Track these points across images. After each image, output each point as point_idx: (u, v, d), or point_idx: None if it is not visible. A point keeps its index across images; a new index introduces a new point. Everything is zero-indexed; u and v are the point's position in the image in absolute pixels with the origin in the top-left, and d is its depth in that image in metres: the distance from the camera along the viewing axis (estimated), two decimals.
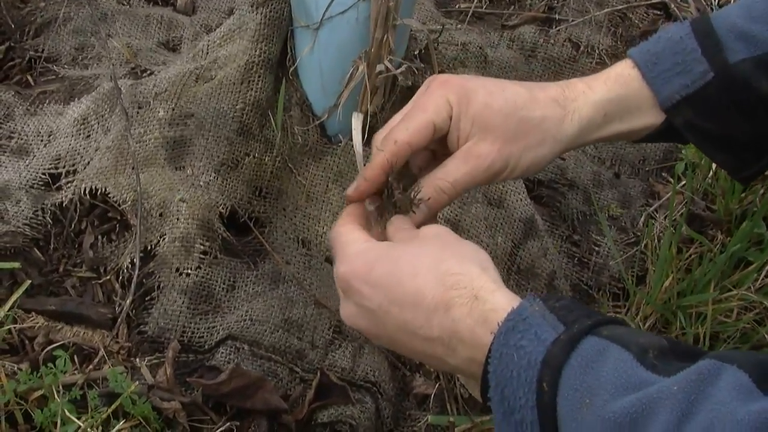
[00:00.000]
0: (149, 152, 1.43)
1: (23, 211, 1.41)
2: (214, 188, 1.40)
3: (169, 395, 1.24)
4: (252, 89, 1.45)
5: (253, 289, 1.38)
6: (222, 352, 1.29)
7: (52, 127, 1.54)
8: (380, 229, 0.88)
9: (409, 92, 1.32)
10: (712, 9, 2.02)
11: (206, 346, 1.31)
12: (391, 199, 0.88)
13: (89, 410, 1.19)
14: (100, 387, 1.23)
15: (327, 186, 1.49)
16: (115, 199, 1.40)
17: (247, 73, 1.44)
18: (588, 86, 0.90)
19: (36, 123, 1.55)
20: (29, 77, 1.69)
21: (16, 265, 1.35)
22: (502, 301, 0.71)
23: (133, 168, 1.40)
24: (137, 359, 1.28)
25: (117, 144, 1.44)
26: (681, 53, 0.88)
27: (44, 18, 1.76)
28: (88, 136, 1.50)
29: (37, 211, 1.42)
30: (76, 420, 1.16)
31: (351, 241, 0.82)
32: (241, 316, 1.33)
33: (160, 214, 1.38)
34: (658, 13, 2.02)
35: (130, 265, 1.35)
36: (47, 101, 1.60)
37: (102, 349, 1.28)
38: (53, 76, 1.68)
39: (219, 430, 1.23)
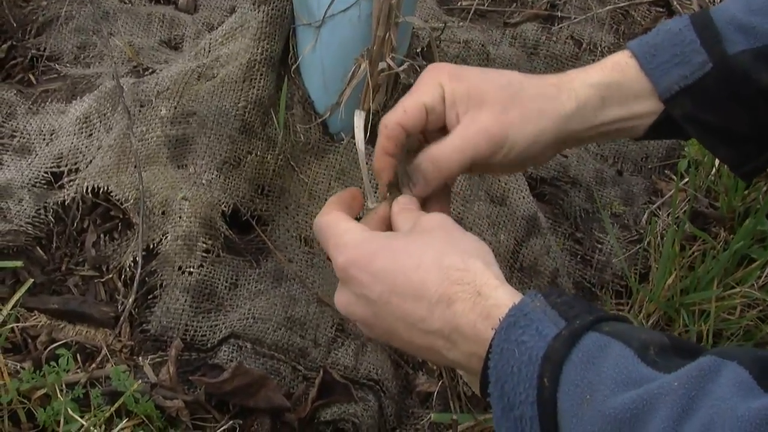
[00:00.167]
0: (151, 150, 1.43)
1: (26, 209, 1.41)
2: (216, 186, 1.40)
3: (171, 394, 1.24)
4: (254, 87, 1.45)
5: (255, 287, 1.38)
6: (225, 351, 1.30)
7: (54, 125, 1.54)
8: (387, 206, 0.87)
9: None
10: (714, 5, 2.02)
11: (209, 345, 1.31)
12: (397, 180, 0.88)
13: (92, 409, 1.19)
14: (102, 385, 1.23)
15: (329, 184, 1.49)
16: (117, 197, 1.40)
17: (249, 72, 1.44)
18: (584, 72, 0.90)
19: (38, 122, 1.56)
20: (31, 76, 1.69)
21: (19, 263, 1.35)
22: (504, 297, 0.71)
23: (135, 166, 1.40)
24: (140, 358, 1.29)
25: (119, 142, 1.44)
26: (680, 44, 0.87)
27: (46, 16, 1.76)
28: (91, 134, 1.50)
29: (39, 209, 1.42)
30: (79, 419, 1.17)
31: (347, 230, 0.81)
32: (244, 314, 1.33)
33: (163, 213, 1.38)
34: (661, 10, 2.01)
35: (132, 264, 1.35)
36: (49, 100, 1.60)
37: (105, 348, 1.28)
38: (55, 75, 1.68)
39: (222, 428, 1.23)
